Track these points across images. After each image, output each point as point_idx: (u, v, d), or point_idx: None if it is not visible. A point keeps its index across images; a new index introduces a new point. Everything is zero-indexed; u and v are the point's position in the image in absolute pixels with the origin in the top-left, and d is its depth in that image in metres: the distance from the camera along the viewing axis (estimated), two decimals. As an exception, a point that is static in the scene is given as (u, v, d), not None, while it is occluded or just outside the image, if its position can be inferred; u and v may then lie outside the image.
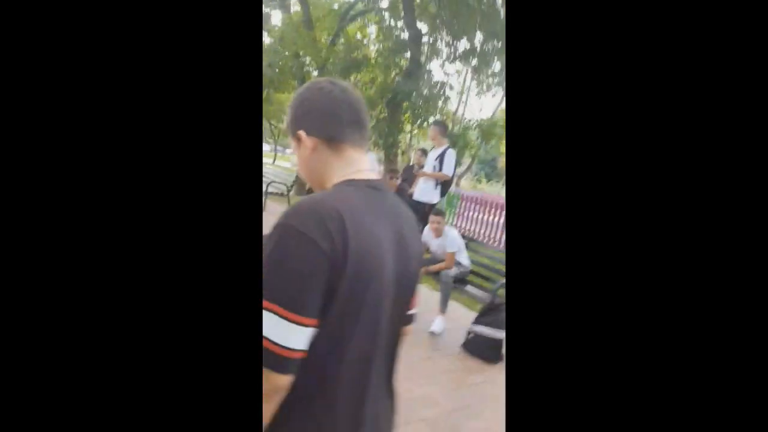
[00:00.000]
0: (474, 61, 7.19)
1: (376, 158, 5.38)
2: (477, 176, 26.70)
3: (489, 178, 27.30)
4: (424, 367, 2.71)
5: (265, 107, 9.76)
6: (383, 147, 6.74)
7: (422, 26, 8.00)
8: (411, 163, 5.04)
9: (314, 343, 0.61)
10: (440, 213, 3.57)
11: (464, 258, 3.62)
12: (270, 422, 0.63)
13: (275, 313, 0.58)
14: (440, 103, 6.58)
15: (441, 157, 4.13)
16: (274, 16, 10.55)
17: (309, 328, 0.59)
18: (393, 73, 7.12)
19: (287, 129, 0.78)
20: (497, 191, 22.24)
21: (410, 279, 0.75)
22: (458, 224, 7.81)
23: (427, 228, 3.63)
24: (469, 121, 7.01)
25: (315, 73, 8.16)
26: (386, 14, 7.77)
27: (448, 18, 7.09)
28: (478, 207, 7.76)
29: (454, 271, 3.45)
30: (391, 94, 6.41)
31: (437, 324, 3.32)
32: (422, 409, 2.23)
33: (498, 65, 7.44)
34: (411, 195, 4.44)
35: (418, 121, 6.16)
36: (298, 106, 0.75)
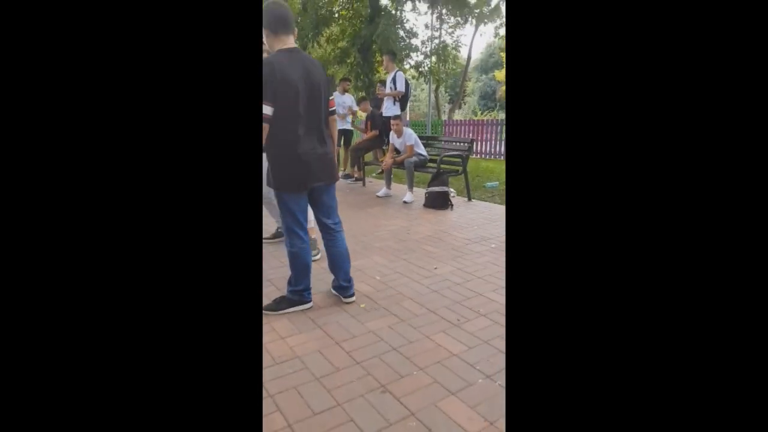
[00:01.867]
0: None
1: (355, 98, 6.60)
2: (473, 109, 27.50)
3: (485, 110, 27.89)
4: (397, 216, 4.11)
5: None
6: (362, 87, 7.94)
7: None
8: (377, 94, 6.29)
9: (275, 113, 1.80)
10: (397, 117, 4.85)
11: (422, 150, 4.92)
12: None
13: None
14: (402, 41, 7.64)
15: (393, 79, 5.36)
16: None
17: (269, 106, 1.80)
18: (358, 22, 8.17)
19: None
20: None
21: (318, 88, 1.95)
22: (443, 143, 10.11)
23: (392, 132, 4.93)
24: (431, 49, 8.07)
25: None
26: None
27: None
28: (457, 128, 10.02)
29: (414, 159, 4.76)
30: (359, 41, 7.52)
31: (407, 197, 4.69)
32: (390, 227, 3.64)
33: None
34: (381, 114, 5.71)
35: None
36: (263, 19, 1.77)
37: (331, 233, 2.08)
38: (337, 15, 8.66)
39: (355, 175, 6.14)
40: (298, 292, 2.04)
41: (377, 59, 7.83)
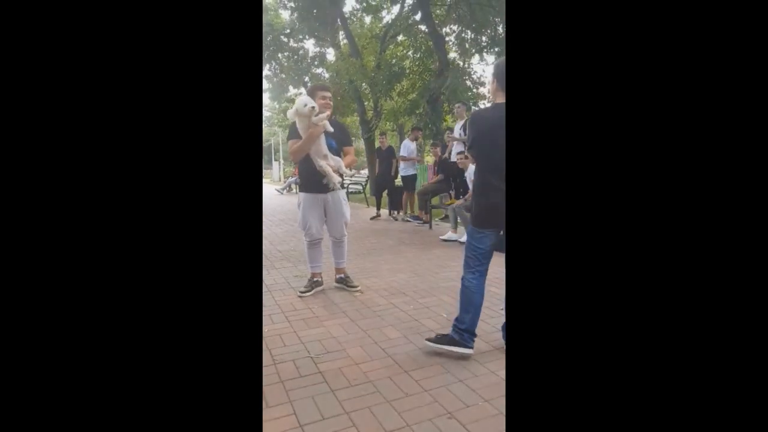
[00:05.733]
0: (496, 49, 8.51)
1: (424, 146, 6.99)
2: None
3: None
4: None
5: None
6: (430, 136, 8.33)
7: (453, 28, 9.52)
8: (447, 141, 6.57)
9: (477, 160, 2.07)
10: (461, 152, 5.09)
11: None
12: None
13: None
14: (470, 91, 7.99)
15: (464, 126, 5.63)
16: (329, 54, 12.77)
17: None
18: (428, 76, 8.71)
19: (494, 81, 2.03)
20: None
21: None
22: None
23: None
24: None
25: (368, 91, 10.05)
26: (418, 28, 9.43)
27: (467, 18, 8.50)
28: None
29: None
30: (428, 93, 8.00)
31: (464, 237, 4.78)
32: (456, 268, 3.74)
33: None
34: (447, 159, 5.96)
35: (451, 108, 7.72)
36: (496, 75, 2.02)
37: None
38: (408, 70, 9.36)
39: (422, 218, 6.35)
40: (461, 332, 2.02)
41: (445, 109, 8.24)
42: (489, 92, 2.20)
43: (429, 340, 2.09)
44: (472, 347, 2.02)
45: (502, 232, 2.02)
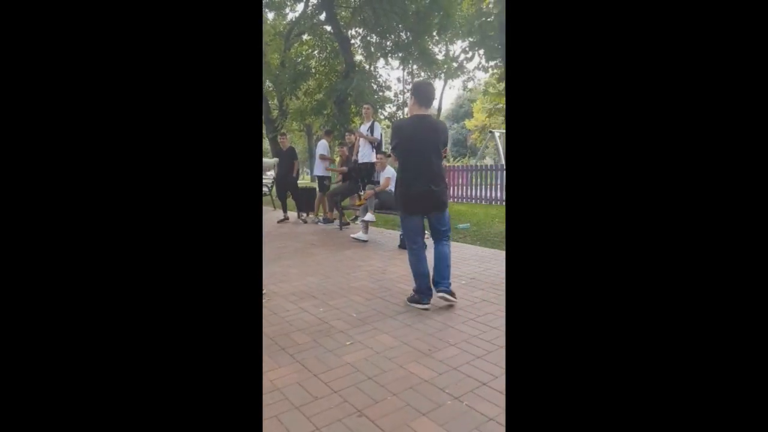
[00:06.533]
0: (400, 54, 8.84)
1: (328, 145, 6.98)
2: (446, 157, 28.56)
3: (457, 156, 29.17)
4: (373, 257, 4.26)
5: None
6: (337, 137, 8.34)
7: (359, 31, 9.63)
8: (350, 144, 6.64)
9: (400, 161, 2.72)
10: (381, 152, 5.25)
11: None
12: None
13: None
14: (376, 94, 8.18)
15: (371, 128, 5.73)
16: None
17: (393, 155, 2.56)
18: (334, 77, 8.72)
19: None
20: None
21: (434, 140, 2.64)
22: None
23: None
24: (403, 101, 8.64)
25: (271, 88, 9.72)
26: (323, 28, 9.38)
27: (372, 22, 8.67)
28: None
29: (390, 189, 5.02)
30: (335, 94, 8.01)
31: (367, 216, 4.98)
32: (366, 267, 3.78)
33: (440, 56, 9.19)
34: (356, 161, 6.01)
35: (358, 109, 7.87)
36: (413, 93, 2.74)
37: (436, 242, 2.83)
38: (313, 70, 9.27)
39: (333, 219, 6.33)
40: (417, 292, 2.77)
41: (352, 111, 8.31)
42: (408, 109, 2.88)
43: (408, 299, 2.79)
44: (427, 303, 2.72)
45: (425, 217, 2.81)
